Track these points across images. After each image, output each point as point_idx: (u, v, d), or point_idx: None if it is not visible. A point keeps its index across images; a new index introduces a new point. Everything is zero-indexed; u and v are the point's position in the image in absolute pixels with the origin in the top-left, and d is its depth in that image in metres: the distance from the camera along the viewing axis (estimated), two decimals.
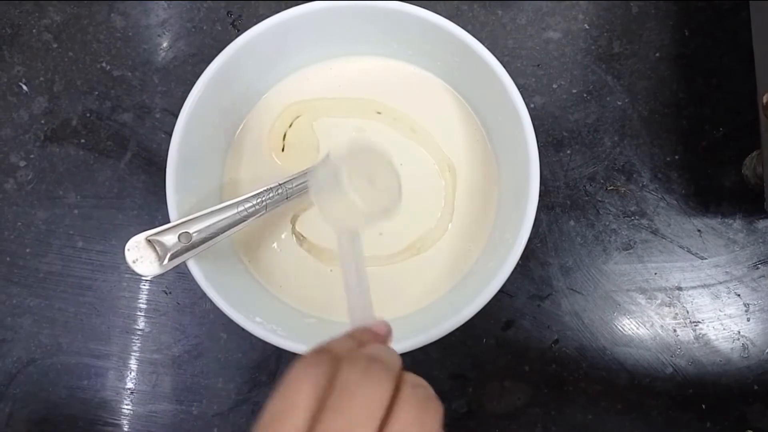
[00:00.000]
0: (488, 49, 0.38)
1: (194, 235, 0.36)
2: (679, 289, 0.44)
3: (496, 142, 0.43)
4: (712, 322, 0.44)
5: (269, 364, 0.44)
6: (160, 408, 0.44)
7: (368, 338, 0.28)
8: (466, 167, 0.43)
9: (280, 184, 0.39)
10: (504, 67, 0.38)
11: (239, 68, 0.40)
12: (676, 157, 0.46)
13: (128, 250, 0.35)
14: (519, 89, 0.38)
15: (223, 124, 0.43)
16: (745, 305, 0.44)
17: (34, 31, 0.49)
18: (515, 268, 0.36)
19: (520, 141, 0.38)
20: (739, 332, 0.44)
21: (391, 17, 0.39)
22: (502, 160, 0.42)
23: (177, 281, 0.45)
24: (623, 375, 0.43)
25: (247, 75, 0.41)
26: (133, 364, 0.45)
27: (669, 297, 0.44)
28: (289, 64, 0.44)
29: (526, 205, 0.37)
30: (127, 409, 0.44)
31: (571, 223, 0.45)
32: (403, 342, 0.36)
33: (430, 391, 0.24)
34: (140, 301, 0.45)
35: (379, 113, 0.44)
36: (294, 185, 0.39)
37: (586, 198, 0.45)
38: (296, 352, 0.36)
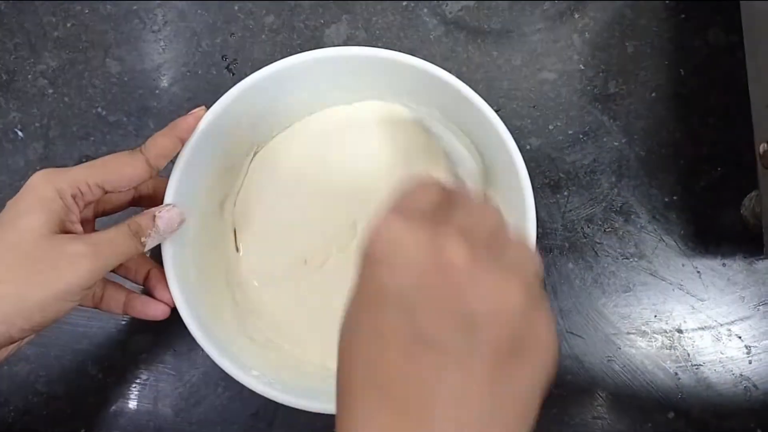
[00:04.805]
0: (483, 90, 0.38)
1: None
2: (680, 331, 0.44)
3: (493, 183, 0.42)
4: (714, 365, 0.43)
5: (267, 412, 0.44)
6: None
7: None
8: None
9: None
10: (499, 108, 0.38)
11: (235, 118, 0.40)
12: (675, 197, 0.45)
13: None
14: (515, 131, 0.38)
15: (221, 170, 0.42)
16: (746, 347, 0.43)
17: (29, 76, 0.49)
18: None
19: (515, 185, 0.38)
20: (741, 375, 0.43)
21: (382, 65, 0.39)
22: (500, 201, 0.42)
23: (172, 326, 0.45)
24: (624, 420, 0.43)
25: (242, 126, 0.41)
26: (131, 412, 0.44)
27: (669, 340, 0.44)
28: (284, 114, 0.43)
29: None
30: None
31: (570, 265, 0.45)
32: None
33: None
34: (136, 348, 0.45)
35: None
36: None
37: (584, 240, 0.45)
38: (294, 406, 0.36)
